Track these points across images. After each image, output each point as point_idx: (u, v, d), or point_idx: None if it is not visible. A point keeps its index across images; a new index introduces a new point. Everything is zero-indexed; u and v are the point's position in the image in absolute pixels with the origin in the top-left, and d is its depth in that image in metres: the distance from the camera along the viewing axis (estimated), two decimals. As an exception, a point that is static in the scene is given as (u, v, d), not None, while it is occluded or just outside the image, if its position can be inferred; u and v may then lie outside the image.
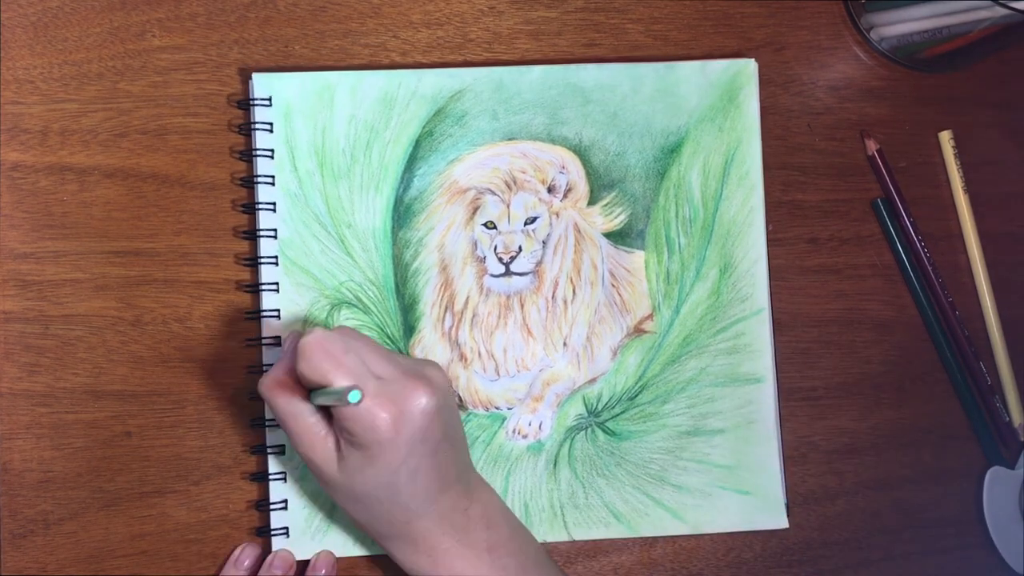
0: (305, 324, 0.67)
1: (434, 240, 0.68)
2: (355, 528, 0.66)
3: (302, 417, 0.58)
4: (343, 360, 0.55)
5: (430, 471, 0.58)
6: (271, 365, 0.66)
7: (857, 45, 0.75)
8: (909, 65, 0.74)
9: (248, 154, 0.68)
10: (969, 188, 0.73)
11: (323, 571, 0.66)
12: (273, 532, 0.66)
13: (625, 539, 0.70)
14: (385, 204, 0.68)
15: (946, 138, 0.74)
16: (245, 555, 0.67)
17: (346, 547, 0.67)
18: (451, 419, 0.60)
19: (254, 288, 0.67)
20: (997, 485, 0.72)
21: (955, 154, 0.73)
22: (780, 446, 0.70)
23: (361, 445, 0.56)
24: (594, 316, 0.69)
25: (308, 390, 0.58)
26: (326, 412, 0.58)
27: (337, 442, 0.58)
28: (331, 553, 0.67)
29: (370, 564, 0.68)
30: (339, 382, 0.55)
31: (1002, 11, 0.64)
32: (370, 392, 0.55)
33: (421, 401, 0.56)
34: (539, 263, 0.69)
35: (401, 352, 0.68)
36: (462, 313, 0.69)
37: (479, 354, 0.69)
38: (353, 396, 0.50)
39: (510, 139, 0.69)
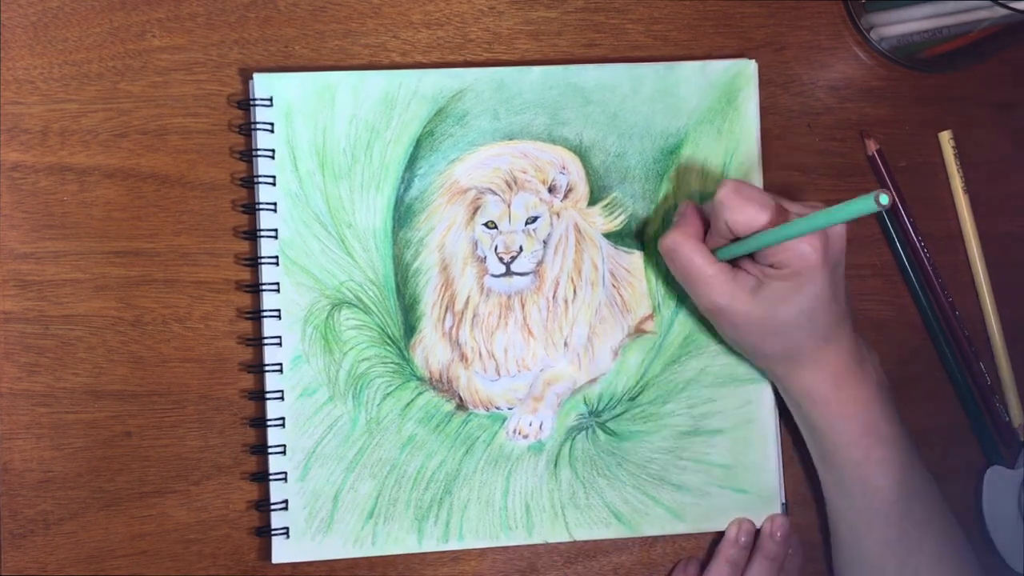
0: (418, 334, 0.69)
1: (435, 240, 0.68)
2: (355, 528, 0.66)
3: (706, 267, 0.62)
4: (764, 201, 0.60)
5: (839, 298, 0.62)
6: (271, 365, 0.66)
7: (857, 45, 0.75)
8: (909, 65, 0.74)
9: (248, 154, 0.68)
10: (969, 188, 0.73)
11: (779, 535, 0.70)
12: (273, 532, 0.66)
13: (625, 539, 0.70)
14: (386, 204, 0.68)
15: (946, 138, 0.74)
16: (743, 531, 0.70)
17: (346, 548, 0.67)
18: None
19: (254, 288, 0.67)
20: (996, 484, 0.72)
21: (955, 154, 0.73)
22: (779, 446, 0.70)
23: (791, 275, 0.60)
24: (595, 316, 0.69)
25: (715, 248, 0.63)
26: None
27: (753, 282, 0.62)
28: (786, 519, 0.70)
29: (370, 564, 0.68)
30: (764, 219, 0.59)
31: (1002, 11, 0.64)
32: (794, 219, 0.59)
33: (837, 230, 0.61)
34: (540, 263, 0.69)
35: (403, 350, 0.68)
36: (463, 313, 0.69)
37: (480, 354, 0.69)
38: (883, 198, 0.49)
39: (511, 139, 0.69)
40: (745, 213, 0.60)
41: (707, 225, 0.65)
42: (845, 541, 0.67)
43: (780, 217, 0.60)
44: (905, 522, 0.64)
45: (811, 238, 0.59)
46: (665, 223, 0.70)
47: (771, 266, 0.60)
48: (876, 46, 0.74)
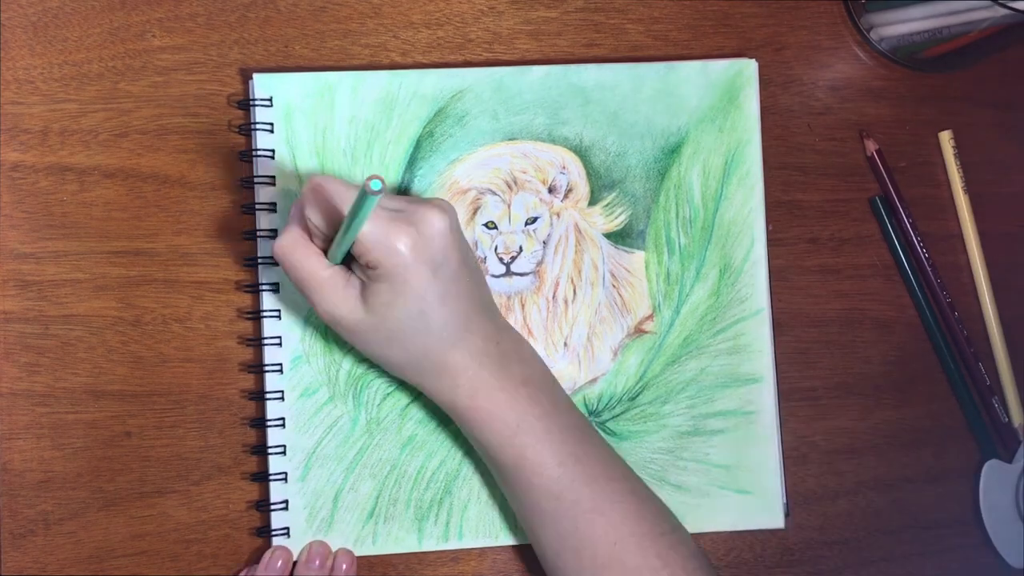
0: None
1: (434, 240, 0.68)
2: (356, 527, 0.67)
3: (319, 271, 0.59)
4: (345, 192, 0.57)
5: (456, 297, 0.59)
6: (271, 365, 0.66)
7: (857, 45, 0.75)
8: (909, 65, 0.74)
9: (248, 154, 0.68)
10: (969, 188, 0.73)
11: (343, 567, 0.66)
12: (274, 532, 0.66)
13: (625, 539, 0.70)
14: (386, 204, 0.68)
15: (946, 138, 0.74)
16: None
17: (346, 547, 0.67)
18: (466, 247, 0.61)
19: (254, 288, 0.67)
20: (993, 479, 0.72)
21: (955, 154, 0.73)
22: (780, 446, 0.70)
23: (386, 275, 0.56)
24: (595, 316, 0.69)
25: (323, 250, 0.59)
26: (343, 264, 0.60)
27: (360, 286, 0.59)
28: (351, 552, 0.67)
29: (370, 564, 0.68)
30: (340, 214, 0.56)
31: (1002, 11, 0.64)
32: (385, 219, 0.56)
33: (435, 221, 0.57)
34: (540, 263, 0.69)
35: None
36: (462, 313, 0.68)
37: (479, 354, 0.68)
38: (375, 184, 0.49)
39: (511, 139, 0.69)
40: (327, 205, 0.57)
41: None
42: (528, 532, 0.64)
43: (374, 212, 0.56)
44: (574, 511, 0.61)
45: (401, 236, 0.56)
46: (665, 223, 0.70)
47: (367, 265, 0.57)
48: (876, 46, 0.74)
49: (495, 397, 0.61)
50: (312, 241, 0.60)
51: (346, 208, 0.55)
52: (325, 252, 0.59)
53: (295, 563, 0.66)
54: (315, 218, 0.58)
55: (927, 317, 0.73)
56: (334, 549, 0.67)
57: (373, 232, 0.55)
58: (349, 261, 0.60)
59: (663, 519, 0.63)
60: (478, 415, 0.61)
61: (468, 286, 0.60)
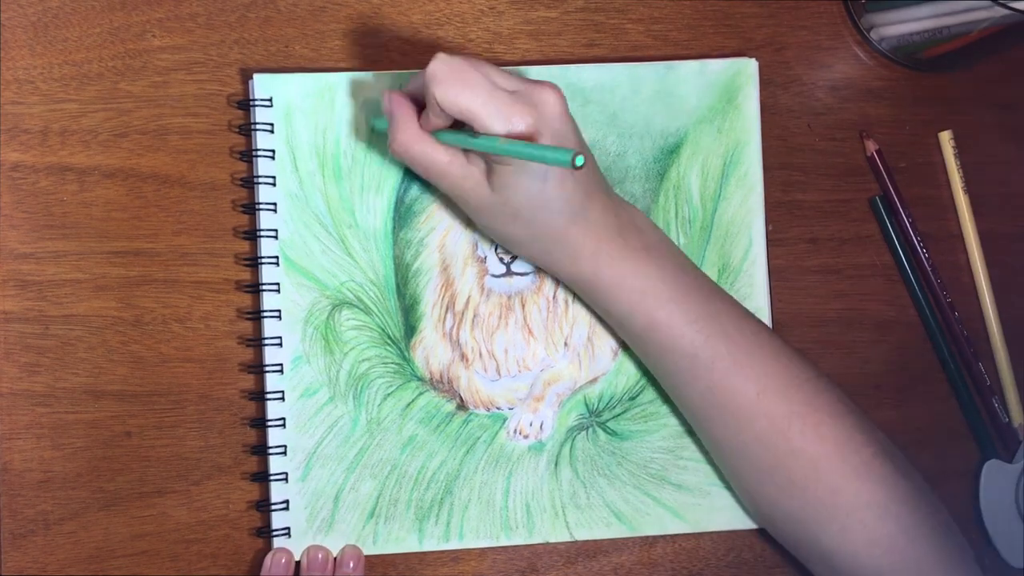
0: (418, 335, 0.69)
1: (435, 240, 0.68)
2: (356, 527, 0.67)
3: (441, 160, 0.61)
4: (473, 79, 0.57)
5: (574, 174, 0.60)
6: (271, 365, 0.66)
7: (857, 45, 0.75)
8: (909, 65, 0.74)
9: (248, 154, 0.68)
10: (969, 188, 0.73)
11: (351, 564, 0.66)
12: (274, 532, 0.66)
13: (625, 539, 0.70)
14: (386, 205, 0.68)
15: (946, 138, 0.74)
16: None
17: (353, 544, 0.67)
18: (576, 126, 0.62)
19: (254, 288, 0.67)
20: (994, 478, 0.72)
21: (955, 154, 0.73)
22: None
23: (508, 160, 0.58)
24: (594, 316, 0.69)
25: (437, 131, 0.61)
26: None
27: (484, 166, 0.60)
28: (357, 548, 0.67)
29: (371, 564, 0.68)
30: (474, 104, 0.57)
31: (1002, 11, 0.64)
32: (505, 103, 0.57)
33: (551, 100, 0.58)
34: (540, 263, 0.69)
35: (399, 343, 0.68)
36: (463, 313, 0.69)
37: (480, 354, 0.69)
38: (579, 160, 0.50)
39: (511, 139, 0.69)
40: (454, 91, 0.57)
41: (419, 104, 0.62)
42: (672, 394, 0.67)
43: (490, 95, 0.57)
44: (713, 367, 0.62)
45: (522, 123, 0.57)
46: (665, 223, 0.70)
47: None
48: (876, 46, 0.74)
49: (619, 266, 0.62)
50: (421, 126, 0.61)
51: (473, 97, 0.57)
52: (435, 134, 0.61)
53: (297, 563, 0.66)
54: (444, 102, 0.58)
55: (927, 317, 0.73)
56: (337, 549, 0.67)
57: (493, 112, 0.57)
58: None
59: (805, 366, 0.64)
60: (604, 284, 0.63)
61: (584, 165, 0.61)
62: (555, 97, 0.58)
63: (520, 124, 0.57)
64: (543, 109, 0.58)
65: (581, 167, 0.51)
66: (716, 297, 0.64)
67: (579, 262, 0.62)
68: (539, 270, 0.69)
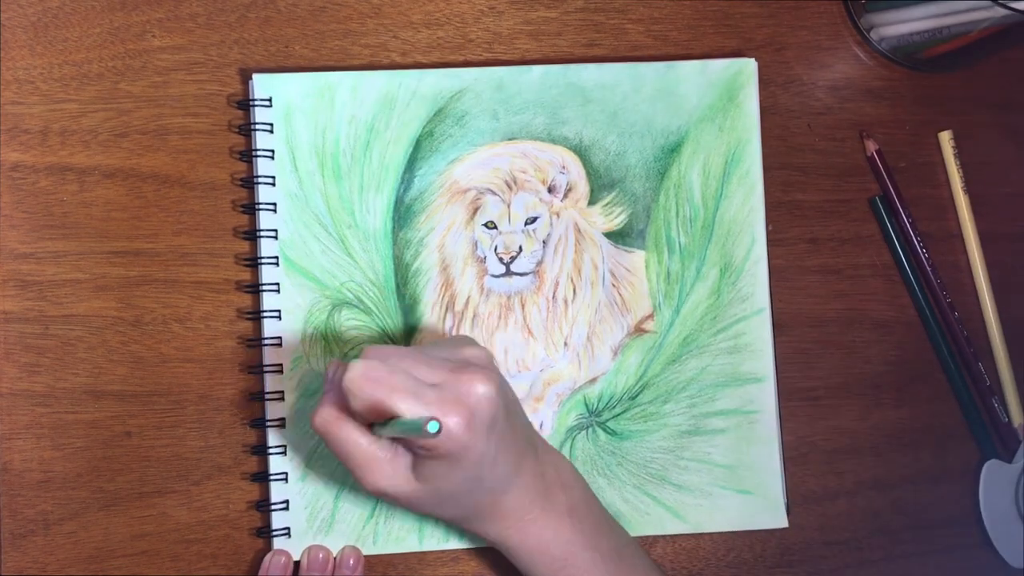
0: (418, 335, 0.69)
1: (435, 240, 0.68)
2: (356, 527, 0.67)
3: (362, 447, 0.57)
4: (394, 383, 0.54)
5: (506, 450, 0.58)
6: (271, 365, 0.66)
7: (857, 45, 0.75)
8: (909, 65, 0.74)
9: (248, 154, 0.68)
10: (969, 188, 0.73)
11: (351, 563, 0.66)
12: (274, 532, 0.66)
13: (625, 539, 0.70)
14: (386, 204, 0.68)
15: (946, 138, 0.74)
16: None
17: (353, 545, 0.67)
18: (507, 390, 0.60)
19: (254, 288, 0.67)
20: (994, 479, 0.72)
21: (955, 154, 0.73)
22: (781, 446, 0.70)
23: (441, 455, 0.55)
24: (595, 316, 0.69)
25: (369, 424, 0.57)
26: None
27: (411, 460, 0.57)
28: (357, 548, 0.67)
29: (370, 564, 0.68)
30: (399, 406, 0.53)
31: (1002, 11, 0.64)
32: (433, 402, 0.54)
33: (481, 391, 0.55)
34: (539, 263, 0.69)
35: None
36: (463, 313, 0.69)
37: (480, 354, 0.69)
38: (432, 427, 0.49)
39: (510, 139, 0.69)
40: (371, 401, 0.54)
41: None
42: None
43: (415, 398, 0.54)
44: None
45: (453, 416, 0.53)
46: (665, 222, 0.70)
47: (421, 447, 0.55)
48: (876, 46, 0.74)
49: (542, 533, 0.61)
50: (349, 414, 0.57)
51: (397, 402, 0.53)
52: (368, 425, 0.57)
53: (296, 563, 0.66)
54: (365, 413, 0.55)
55: (927, 317, 0.73)
56: (337, 549, 0.67)
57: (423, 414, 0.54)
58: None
59: None
60: (527, 550, 0.61)
61: (513, 435, 0.59)
62: (483, 384, 0.55)
63: (450, 425, 0.53)
64: (471, 401, 0.55)
65: (436, 432, 0.49)
66: (630, 560, 0.64)
67: (506, 530, 0.61)
68: (539, 270, 0.69)
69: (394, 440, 0.57)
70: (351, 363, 0.55)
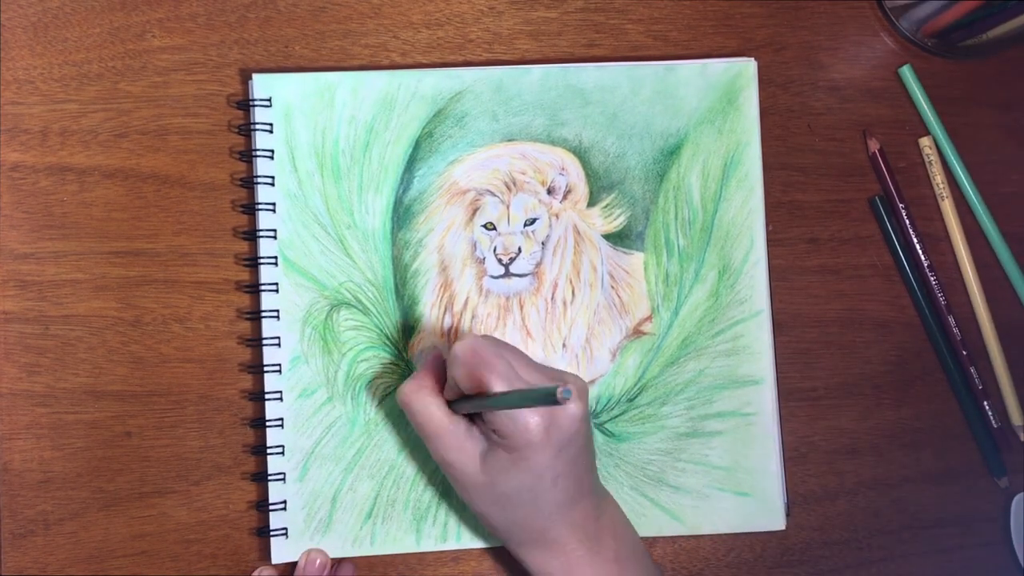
0: (417, 335, 0.69)
1: (434, 241, 0.68)
2: (354, 528, 0.67)
3: (441, 421, 0.60)
4: (496, 364, 0.57)
5: (570, 478, 0.59)
6: (270, 365, 0.66)
7: (857, 45, 0.74)
8: (936, 51, 0.74)
9: (248, 154, 0.68)
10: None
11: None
12: (272, 532, 0.66)
13: (624, 539, 0.70)
14: (385, 205, 0.68)
15: (926, 144, 0.73)
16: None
17: (344, 548, 0.67)
18: (590, 428, 0.62)
19: (254, 288, 0.68)
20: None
21: (933, 160, 0.73)
22: (780, 448, 0.70)
23: (511, 447, 0.57)
24: (593, 318, 0.69)
25: (452, 400, 0.61)
26: (467, 416, 0.61)
27: (482, 444, 0.60)
28: (351, 563, 0.67)
29: (370, 564, 0.68)
30: (495, 386, 0.56)
31: None
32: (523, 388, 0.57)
33: (571, 407, 0.58)
34: (538, 264, 0.69)
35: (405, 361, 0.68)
36: (461, 314, 0.69)
37: (478, 355, 0.69)
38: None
39: (510, 140, 0.69)
40: (474, 376, 0.57)
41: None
42: None
43: (508, 383, 0.57)
44: None
45: (536, 415, 0.56)
46: (664, 224, 0.70)
47: (495, 431, 0.58)
48: (901, 31, 0.73)
49: (587, 572, 0.61)
50: (439, 390, 0.62)
51: (494, 380, 0.56)
52: (449, 402, 0.61)
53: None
54: (462, 380, 0.58)
55: (927, 317, 0.73)
56: (333, 550, 0.67)
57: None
58: (475, 414, 0.61)
59: None
60: None
61: (584, 467, 0.61)
62: (577, 402, 0.58)
63: (531, 422, 0.56)
64: (559, 412, 0.57)
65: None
66: None
67: (551, 561, 0.62)
68: (537, 271, 0.69)
69: (470, 424, 0.60)
70: (466, 336, 0.61)
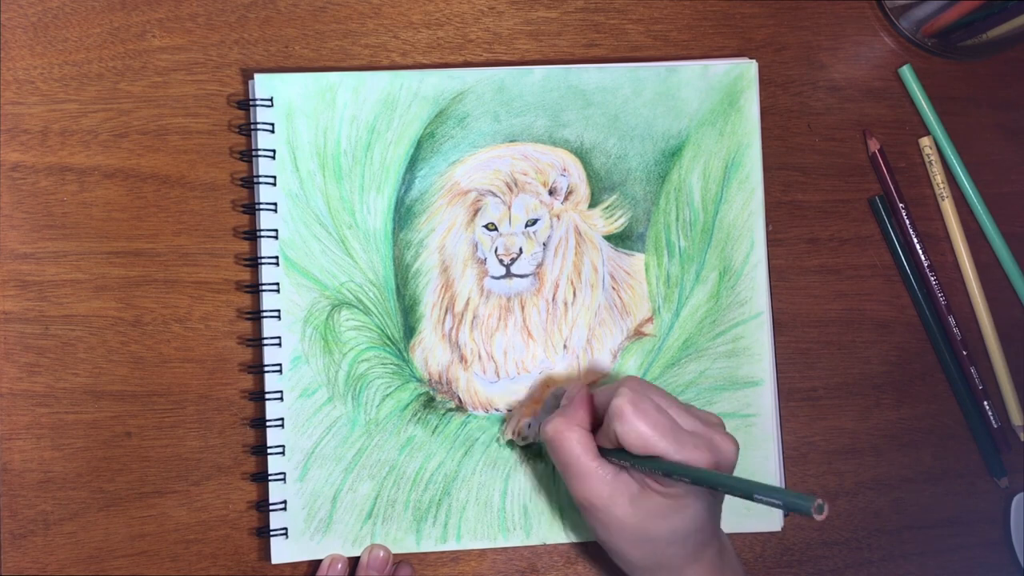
0: (417, 336, 0.69)
1: (435, 241, 0.68)
2: (354, 528, 0.67)
3: (587, 462, 0.60)
4: (658, 421, 0.57)
5: (709, 524, 0.60)
6: (271, 365, 0.66)
7: (857, 44, 0.75)
8: (936, 51, 0.74)
9: (248, 154, 0.68)
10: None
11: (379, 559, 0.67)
12: (272, 533, 0.66)
13: (625, 539, 0.70)
14: (386, 205, 0.68)
15: (926, 144, 0.74)
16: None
17: (344, 548, 0.67)
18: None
19: (254, 288, 0.67)
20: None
21: (933, 160, 0.73)
22: (780, 449, 0.70)
23: (674, 494, 0.58)
24: (594, 319, 0.69)
25: (609, 448, 0.60)
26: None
27: (636, 488, 0.59)
28: (410, 564, 0.68)
29: (370, 564, 0.68)
30: (659, 445, 0.56)
31: None
32: (688, 445, 0.57)
33: (730, 451, 0.59)
34: (540, 265, 0.69)
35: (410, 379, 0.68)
36: (462, 315, 0.69)
37: (479, 356, 0.69)
38: (820, 509, 0.47)
39: (511, 141, 0.69)
40: (637, 432, 0.57)
41: (595, 416, 0.63)
42: None
43: (674, 438, 0.57)
44: None
45: (703, 462, 0.57)
46: (665, 226, 0.70)
47: (658, 481, 0.58)
48: (902, 30, 0.74)
49: None
50: (588, 430, 0.61)
51: (655, 440, 0.56)
52: (603, 448, 0.61)
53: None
54: (627, 436, 0.58)
55: (927, 317, 0.73)
56: (332, 550, 0.67)
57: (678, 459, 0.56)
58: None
59: None
60: None
61: (718, 514, 0.62)
62: (733, 448, 0.59)
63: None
64: (720, 457, 0.58)
65: (822, 517, 0.48)
66: None
67: None
68: (539, 272, 0.69)
69: (618, 468, 0.60)
70: (626, 382, 0.59)
